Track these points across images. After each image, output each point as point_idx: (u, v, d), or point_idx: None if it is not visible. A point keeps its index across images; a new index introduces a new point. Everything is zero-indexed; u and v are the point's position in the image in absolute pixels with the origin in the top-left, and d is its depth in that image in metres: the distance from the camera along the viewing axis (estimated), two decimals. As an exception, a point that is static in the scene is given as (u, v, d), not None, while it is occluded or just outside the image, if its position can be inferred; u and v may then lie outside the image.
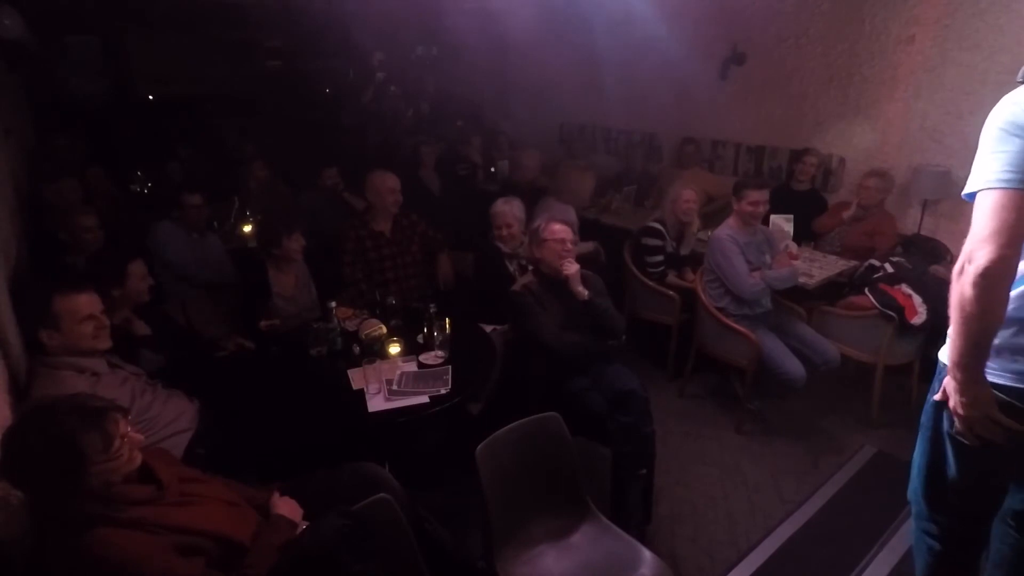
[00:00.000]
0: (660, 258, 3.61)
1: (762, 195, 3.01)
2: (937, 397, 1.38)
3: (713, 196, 4.72)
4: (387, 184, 3.19)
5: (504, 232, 3.08)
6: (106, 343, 1.92)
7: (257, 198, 4.52)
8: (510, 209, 3.11)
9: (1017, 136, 1.14)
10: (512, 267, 3.11)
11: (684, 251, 3.71)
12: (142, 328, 2.39)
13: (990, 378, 1.29)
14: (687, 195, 3.56)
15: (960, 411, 1.28)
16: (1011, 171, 1.14)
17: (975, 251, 1.16)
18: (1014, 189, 1.13)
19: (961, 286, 1.18)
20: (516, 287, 2.58)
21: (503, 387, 2.64)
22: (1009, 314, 1.23)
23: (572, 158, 5.49)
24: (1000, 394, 1.28)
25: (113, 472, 1.33)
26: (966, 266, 1.17)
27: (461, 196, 5.08)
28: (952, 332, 1.25)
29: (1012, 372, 1.28)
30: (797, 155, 4.19)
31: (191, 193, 3.48)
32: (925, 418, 1.50)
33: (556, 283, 2.56)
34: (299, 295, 2.99)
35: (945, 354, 1.38)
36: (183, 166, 5.39)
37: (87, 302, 1.88)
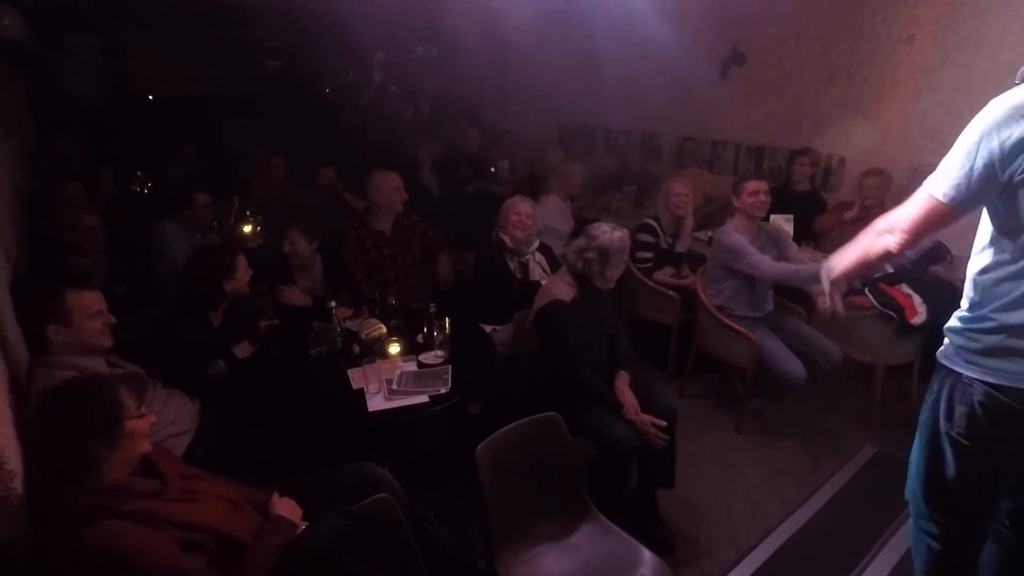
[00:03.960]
0: (650, 255, 3.66)
1: (760, 184, 3.00)
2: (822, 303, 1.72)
3: (712, 197, 4.73)
4: (392, 183, 3.21)
5: (513, 219, 3.07)
6: (109, 340, 1.95)
7: (262, 196, 4.52)
8: (524, 204, 3.16)
9: (988, 142, 1.23)
10: (513, 264, 3.11)
11: (680, 248, 3.73)
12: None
13: (984, 377, 1.33)
14: (677, 188, 3.59)
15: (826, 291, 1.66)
16: (955, 191, 1.30)
17: (898, 231, 1.40)
18: (947, 205, 1.31)
19: (878, 241, 1.46)
20: (561, 296, 2.36)
21: (503, 387, 2.63)
22: (1001, 320, 1.31)
23: (570, 158, 5.50)
24: (994, 391, 1.32)
25: (136, 439, 1.38)
26: (888, 235, 1.43)
27: (461, 196, 5.08)
28: (850, 254, 1.56)
29: (1005, 372, 1.32)
30: (796, 155, 4.19)
31: (200, 192, 3.49)
32: (923, 418, 1.51)
33: (599, 297, 2.46)
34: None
35: (943, 353, 1.46)
36: (183, 166, 5.39)
37: (95, 298, 1.94)
